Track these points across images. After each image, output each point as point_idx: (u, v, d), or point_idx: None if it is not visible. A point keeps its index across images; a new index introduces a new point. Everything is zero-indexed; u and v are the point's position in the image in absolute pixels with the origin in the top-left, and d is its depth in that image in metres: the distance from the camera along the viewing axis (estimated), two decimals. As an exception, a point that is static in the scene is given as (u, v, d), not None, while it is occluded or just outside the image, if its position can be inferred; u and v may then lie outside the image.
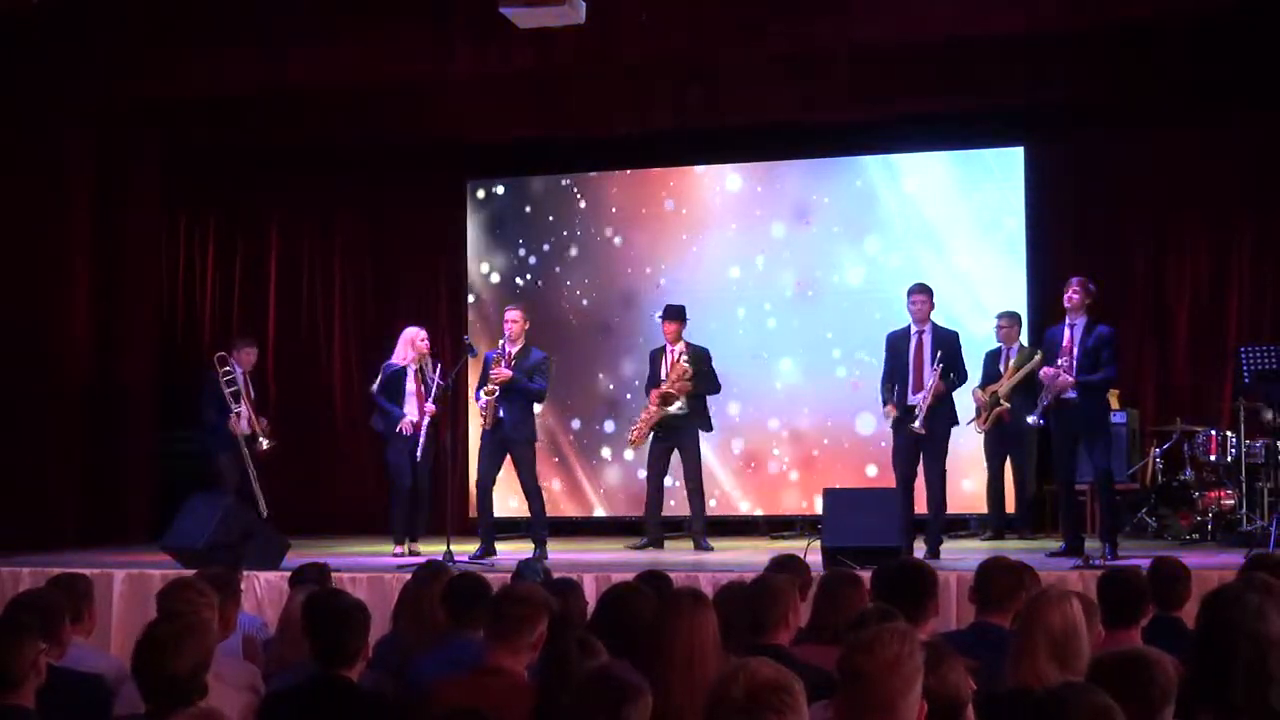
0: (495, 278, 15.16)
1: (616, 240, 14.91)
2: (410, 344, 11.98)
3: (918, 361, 10.84)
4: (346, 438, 15.35)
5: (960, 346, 10.98)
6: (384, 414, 11.97)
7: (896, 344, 11.02)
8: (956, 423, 11.14)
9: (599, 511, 14.81)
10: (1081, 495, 12.09)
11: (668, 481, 12.66)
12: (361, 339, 15.34)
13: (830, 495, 10.58)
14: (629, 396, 14.59)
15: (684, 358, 12.20)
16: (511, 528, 12.84)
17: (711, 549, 11.98)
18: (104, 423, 13.90)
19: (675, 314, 12.38)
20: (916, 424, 10.62)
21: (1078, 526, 10.59)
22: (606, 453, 14.75)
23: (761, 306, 14.42)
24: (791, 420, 14.33)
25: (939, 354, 10.77)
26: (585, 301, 14.91)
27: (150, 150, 14.48)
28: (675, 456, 12.42)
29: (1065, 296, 10.44)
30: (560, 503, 14.58)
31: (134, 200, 14.33)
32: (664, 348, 12.38)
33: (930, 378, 10.72)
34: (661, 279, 14.72)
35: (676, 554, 11.81)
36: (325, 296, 15.61)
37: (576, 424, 14.86)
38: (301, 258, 15.67)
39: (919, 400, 10.76)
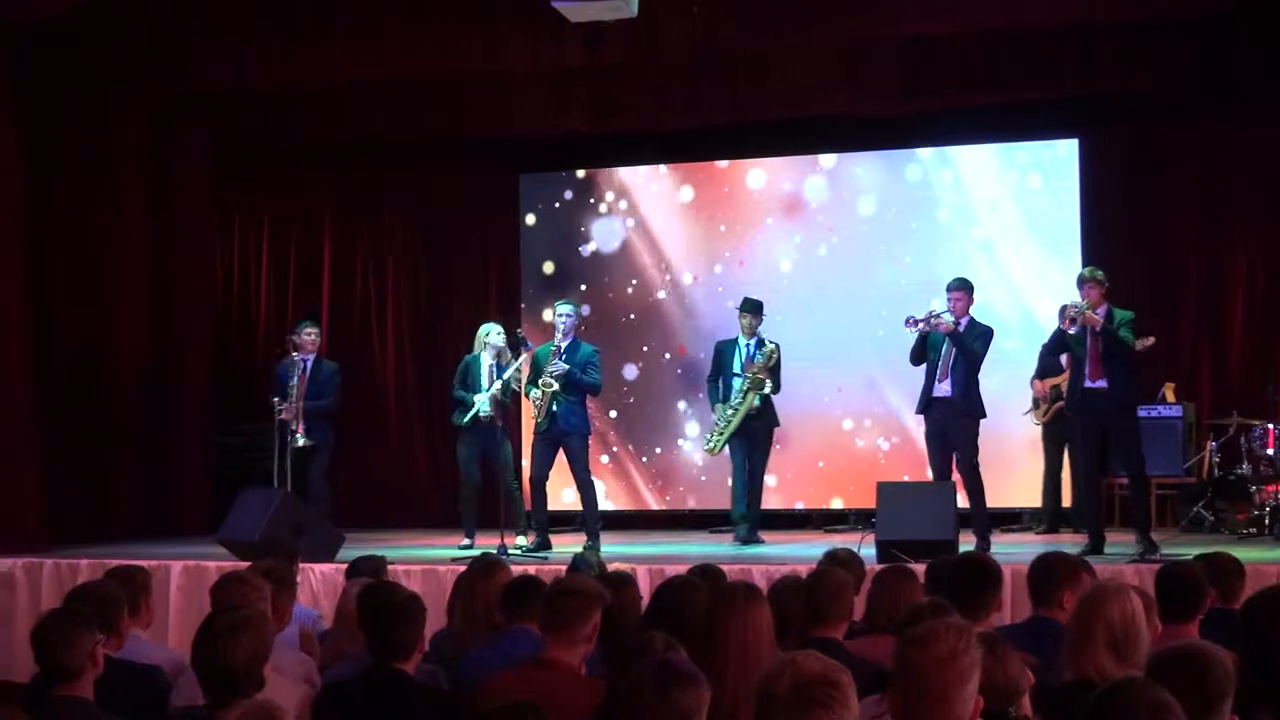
0: (547, 270, 15.19)
1: (665, 233, 14.93)
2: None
3: (948, 356, 10.83)
4: (401, 431, 15.45)
5: (987, 340, 10.91)
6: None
7: (931, 336, 10.95)
8: (984, 415, 11.00)
9: (651, 504, 14.86)
10: (1123, 490, 11.98)
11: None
12: (415, 333, 15.44)
13: (884, 489, 10.61)
14: (685, 391, 14.70)
15: (761, 351, 11.94)
16: (566, 521, 12.85)
17: (761, 542, 11.90)
18: (161, 417, 13.99)
19: (752, 307, 12.13)
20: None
21: (1100, 523, 10.48)
22: (657, 446, 14.82)
23: (813, 300, 14.35)
24: (846, 415, 14.32)
25: (964, 345, 10.79)
26: (633, 294, 14.95)
27: (202, 148, 14.53)
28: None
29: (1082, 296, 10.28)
30: (611, 495, 14.61)
31: (187, 198, 14.40)
32: (735, 340, 12.12)
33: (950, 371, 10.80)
34: (713, 272, 14.77)
35: (731, 548, 11.78)
36: (379, 291, 15.66)
37: (620, 416, 14.91)
38: (355, 253, 15.72)
39: (943, 392, 10.79)
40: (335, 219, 15.79)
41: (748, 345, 11.94)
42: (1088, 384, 10.22)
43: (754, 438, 11.95)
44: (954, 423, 10.74)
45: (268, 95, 13.66)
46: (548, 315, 14.04)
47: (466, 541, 11.74)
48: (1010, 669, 3.99)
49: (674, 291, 14.84)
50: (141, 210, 13.83)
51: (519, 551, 11.04)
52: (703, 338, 14.27)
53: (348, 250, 15.74)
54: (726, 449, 12.03)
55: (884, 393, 14.14)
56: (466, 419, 11.70)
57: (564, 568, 7.73)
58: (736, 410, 11.79)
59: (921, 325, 10.78)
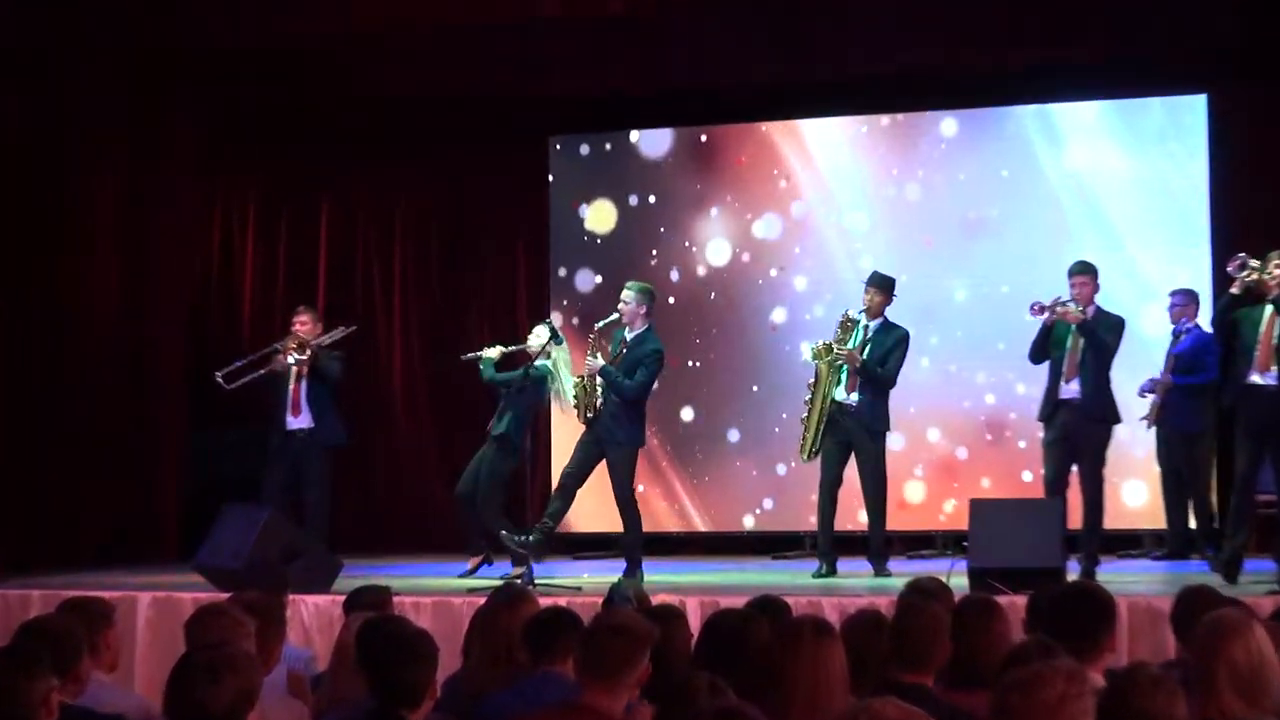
0: (581, 249, 15.18)
1: (717, 207, 14.93)
2: None
3: (1075, 352, 10.81)
4: (411, 442, 15.46)
5: (1119, 331, 10.95)
6: None
7: (1055, 330, 10.94)
8: (1118, 420, 11.06)
9: (698, 524, 14.84)
10: (1269, 508, 11.83)
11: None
12: (426, 324, 15.48)
13: (978, 507, 10.51)
14: (740, 388, 14.70)
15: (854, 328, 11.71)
16: (601, 545, 12.81)
17: (889, 574, 11.54)
18: (130, 422, 14.05)
19: (880, 282, 11.86)
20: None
21: (1242, 543, 10.35)
22: (704, 454, 14.82)
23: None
24: (930, 417, 14.21)
25: (1094, 336, 10.77)
26: (677, 276, 14.93)
27: (186, 113, 14.59)
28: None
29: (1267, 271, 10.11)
30: (658, 516, 14.53)
31: (168, 171, 14.46)
32: (856, 322, 11.79)
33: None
34: (766, 249, 14.78)
35: (797, 577, 11.69)
36: (385, 275, 15.67)
37: (672, 420, 14.84)
38: (357, 231, 15.74)
39: (1071, 394, 10.78)
40: (334, 193, 15.79)
41: (867, 327, 11.73)
42: (1253, 377, 10.19)
43: (852, 442, 11.68)
44: (1083, 429, 10.76)
45: (263, 52, 13.66)
46: (578, 300, 14.29)
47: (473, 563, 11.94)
48: (1177, 712, 3.96)
49: (721, 272, 14.87)
50: (116, 184, 13.91)
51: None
52: (754, 323, 14.52)
53: (348, 230, 15.75)
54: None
55: (979, 392, 14.11)
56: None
57: (599, 600, 7.71)
58: (810, 404, 11.68)
59: (1047, 314, 10.77)
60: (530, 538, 11.17)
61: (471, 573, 11.75)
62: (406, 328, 15.62)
